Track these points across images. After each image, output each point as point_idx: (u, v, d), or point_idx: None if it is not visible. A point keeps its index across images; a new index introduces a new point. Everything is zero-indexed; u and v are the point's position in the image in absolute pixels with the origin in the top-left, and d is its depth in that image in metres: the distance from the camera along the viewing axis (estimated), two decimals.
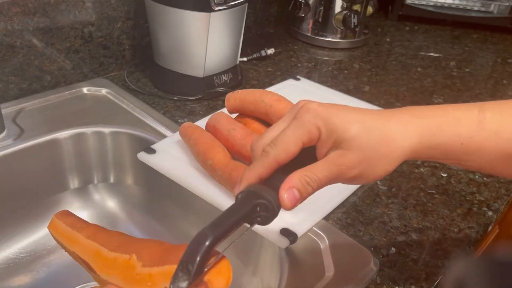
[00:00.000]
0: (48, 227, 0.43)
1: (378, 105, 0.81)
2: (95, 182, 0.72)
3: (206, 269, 0.30)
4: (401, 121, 0.33)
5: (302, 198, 0.33)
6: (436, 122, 0.34)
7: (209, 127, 0.61)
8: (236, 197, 0.33)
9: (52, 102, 0.74)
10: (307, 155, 0.34)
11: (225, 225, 0.30)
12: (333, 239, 0.51)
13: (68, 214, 0.43)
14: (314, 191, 0.33)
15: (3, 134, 0.64)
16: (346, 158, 0.32)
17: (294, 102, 0.59)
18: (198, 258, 0.28)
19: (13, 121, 0.67)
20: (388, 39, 1.19)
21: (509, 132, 0.34)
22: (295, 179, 0.32)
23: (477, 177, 0.65)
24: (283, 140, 0.33)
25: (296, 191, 0.32)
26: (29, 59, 0.73)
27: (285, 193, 0.32)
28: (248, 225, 0.34)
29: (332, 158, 0.33)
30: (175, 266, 0.30)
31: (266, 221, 0.33)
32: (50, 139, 0.65)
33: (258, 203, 0.32)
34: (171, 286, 0.29)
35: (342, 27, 1.06)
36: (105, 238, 0.39)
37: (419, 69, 1.01)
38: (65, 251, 0.42)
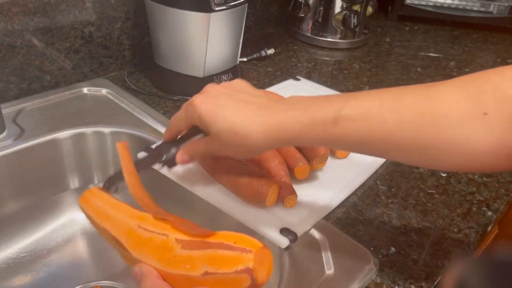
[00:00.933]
0: (80, 202, 0.43)
1: None
2: (95, 182, 0.72)
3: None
4: (260, 122, 0.40)
5: (190, 159, 0.47)
6: (290, 125, 0.39)
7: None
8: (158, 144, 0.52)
9: (52, 102, 0.74)
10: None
11: (146, 159, 0.51)
12: (333, 239, 0.51)
13: (100, 190, 0.43)
14: (198, 157, 0.49)
15: (3, 134, 0.64)
16: (213, 144, 0.44)
17: None
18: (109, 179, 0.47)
19: (13, 121, 0.67)
20: (388, 39, 1.20)
21: (360, 128, 0.37)
22: (186, 148, 0.47)
23: (476, 177, 0.65)
24: (174, 121, 0.48)
25: (186, 156, 0.47)
26: (29, 59, 0.73)
27: (179, 154, 0.47)
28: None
29: (206, 140, 0.45)
30: (217, 251, 0.33)
31: (166, 164, 0.49)
32: (50, 139, 0.65)
33: (161, 156, 0.49)
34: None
35: (342, 27, 1.06)
36: (139, 216, 0.38)
37: (419, 69, 1.01)
38: (95, 227, 0.41)
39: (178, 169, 0.59)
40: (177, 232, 0.35)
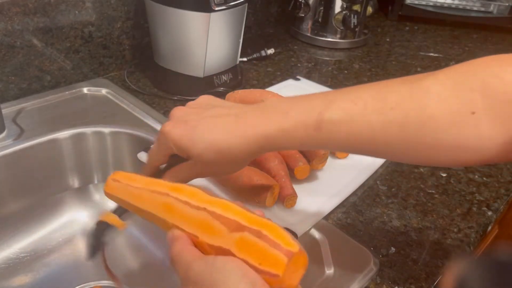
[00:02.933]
0: (105, 189, 0.42)
1: None
2: (95, 182, 0.72)
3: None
4: (239, 133, 0.38)
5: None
6: (271, 132, 0.37)
7: None
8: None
9: (52, 102, 0.74)
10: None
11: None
12: (333, 239, 0.51)
13: (122, 172, 0.43)
14: (183, 182, 0.42)
15: (3, 134, 0.64)
16: (196, 167, 0.41)
17: None
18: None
19: (13, 121, 0.67)
20: (388, 39, 1.19)
21: (344, 131, 0.36)
22: (168, 175, 0.43)
23: (476, 176, 0.65)
24: (151, 155, 0.44)
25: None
26: (29, 59, 0.73)
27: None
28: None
29: (188, 165, 0.42)
30: (250, 236, 0.32)
31: None
32: (50, 139, 0.65)
33: None
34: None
35: (342, 27, 1.06)
36: (171, 187, 0.38)
37: (419, 69, 1.01)
38: (127, 209, 0.41)
39: None
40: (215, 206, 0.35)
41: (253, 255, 0.31)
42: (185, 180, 0.42)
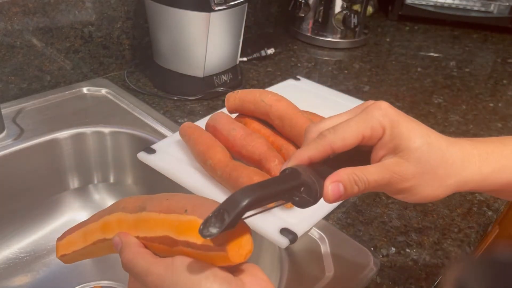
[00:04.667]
0: (58, 257, 0.42)
1: None
2: (95, 182, 0.72)
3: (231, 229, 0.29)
4: (464, 149, 0.33)
5: (346, 194, 0.32)
6: (496, 158, 0.33)
7: (209, 128, 0.61)
8: (283, 171, 0.33)
9: (52, 102, 0.74)
10: (360, 157, 0.34)
11: (268, 191, 0.30)
12: (333, 239, 0.51)
13: (59, 243, 0.43)
14: (360, 191, 0.32)
15: (3, 134, 0.64)
16: (402, 167, 0.32)
17: (294, 102, 0.59)
18: (236, 211, 0.27)
19: (13, 121, 0.67)
20: (388, 39, 1.19)
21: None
22: (344, 174, 0.32)
23: None
24: (344, 129, 0.32)
25: (341, 186, 0.32)
26: (29, 59, 0.73)
27: (331, 184, 0.31)
28: (285, 201, 0.33)
29: (388, 164, 0.32)
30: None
31: (304, 204, 0.32)
32: (50, 139, 0.65)
33: (303, 183, 0.31)
34: (202, 227, 0.28)
35: (342, 27, 1.06)
36: (107, 229, 0.37)
37: (419, 69, 1.01)
38: (92, 256, 0.41)
39: (178, 168, 0.59)
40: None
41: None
42: (367, 187, 0.32)
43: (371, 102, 0.34)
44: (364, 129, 0.32)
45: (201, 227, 0.28)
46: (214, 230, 0.27)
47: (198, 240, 0.29)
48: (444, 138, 0.34)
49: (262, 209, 0.31)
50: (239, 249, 0.30)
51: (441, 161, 0.32)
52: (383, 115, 0.32)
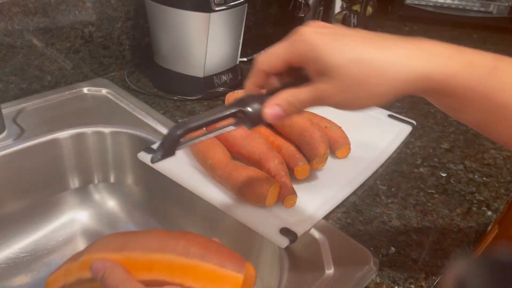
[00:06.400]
0: None
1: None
2: (95, 182, 0.72)
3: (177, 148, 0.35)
4: (403, 52, 0.33)
5: (285, 114, 0.36)
6: (445, 61, 0.33)
7: (209, 127, 0.61)
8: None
9: (52, 102, 0.74)
10: (303, 83, 0.36)
11: (203, 119, 0.36)
12: (333, 239, 0.51)
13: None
14: (297, 110, 0.36)
15: (3, 134, 0.64)
16: (327, 84, 0.34)
17: None
18: (170, 138, 0.35)
19: (13, 121, 0.67)
20: None
21: None
22: (280, 97, 0.35)
23: (476, 176, 0.65)
24: (271, 54, 0.36)
25: (278, 107, 0.35)
26: (29, 59, 0.73)
27: (269, 106, 0.36)
28: (232, 124, 0.38)
29: (315, 83, 0.35)
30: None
31: (246, 123, 0.37)
32: (50, 139, 0.65)
33: (241, 110, 0.36)
34: (152, 156, 0.35)
35: None
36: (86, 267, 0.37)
37: None
38: None
39: (178, 168, 0.59)
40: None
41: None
42: (300, 103, 0.35)
43: (298, 28, 0.36)
44: (285, 52, 0.35)
45: (152, 155, 0.35)
46: (159, 156, 0.34)
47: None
48: (380, 44, 0.34)
49: (214, 130, 0.38)
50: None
51: (369, 72, 0.32)
52: (303, 40, 0.34)
